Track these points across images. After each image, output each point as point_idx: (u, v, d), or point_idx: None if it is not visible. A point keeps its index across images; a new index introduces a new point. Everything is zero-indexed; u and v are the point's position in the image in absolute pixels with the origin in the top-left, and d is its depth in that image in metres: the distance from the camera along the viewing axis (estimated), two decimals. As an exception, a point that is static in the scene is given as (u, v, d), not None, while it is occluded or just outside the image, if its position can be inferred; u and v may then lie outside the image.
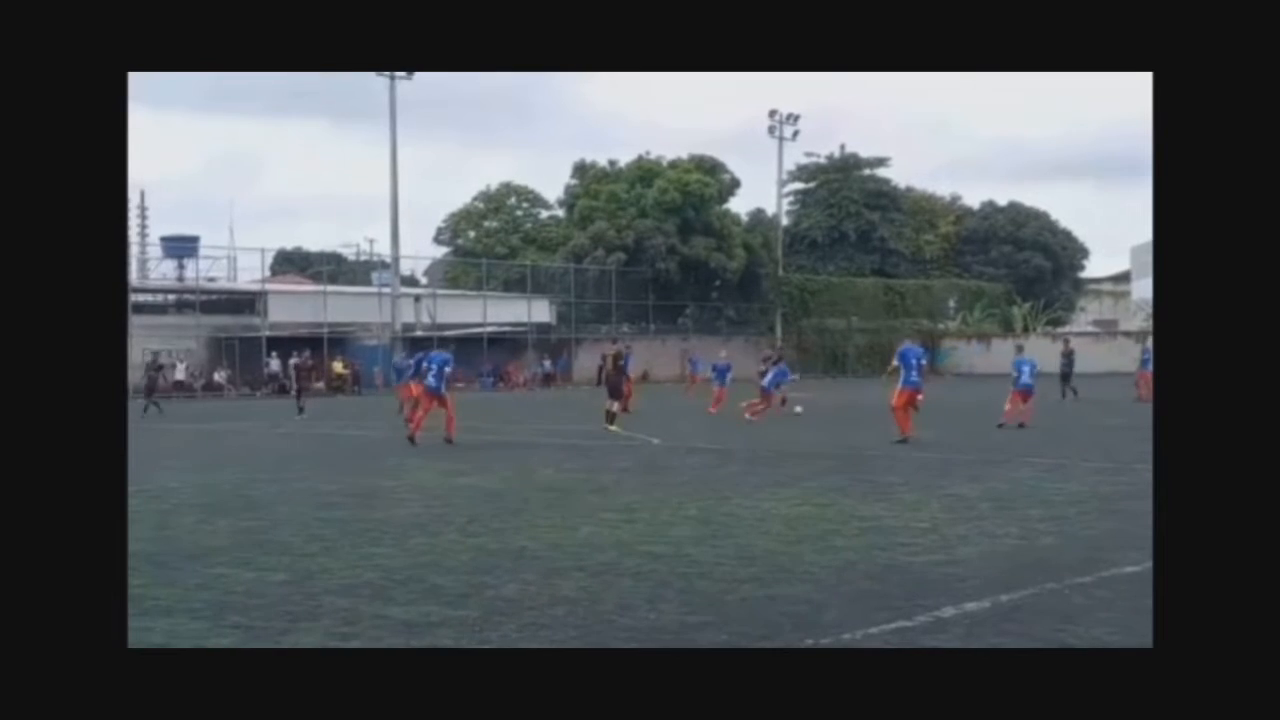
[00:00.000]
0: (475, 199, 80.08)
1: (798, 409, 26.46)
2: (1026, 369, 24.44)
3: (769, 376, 27.87)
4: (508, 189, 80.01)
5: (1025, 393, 24.16)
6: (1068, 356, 35.88)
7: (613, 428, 23.73)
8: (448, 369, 21.37)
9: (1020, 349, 27.06)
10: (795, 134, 68.82)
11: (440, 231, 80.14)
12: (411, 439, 20.75)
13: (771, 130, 68.26)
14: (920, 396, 20.73)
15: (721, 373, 32.34)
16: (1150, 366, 34.80)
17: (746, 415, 26.53)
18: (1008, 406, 24.23)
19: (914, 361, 20.54)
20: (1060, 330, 68.56)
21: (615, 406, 24.63)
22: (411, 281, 69.88)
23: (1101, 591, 7.96)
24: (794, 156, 75.63)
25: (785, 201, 75.30)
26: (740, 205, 72.49)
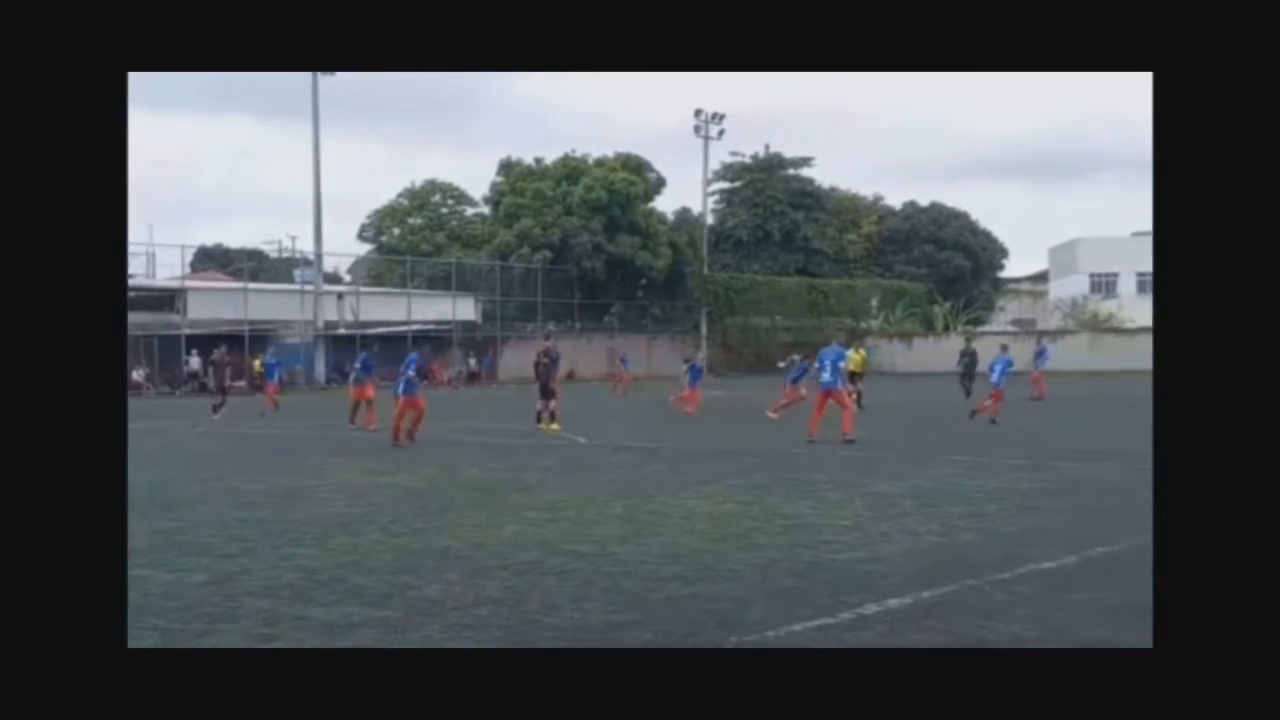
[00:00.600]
0: (400, 196, 79.46)
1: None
2: (997, 368, 25.19)
3: (790, 374, 28.19)
4: (433, 186, 79.51)
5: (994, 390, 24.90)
6: (970, 356, 35.92)
7: (542, 426, 23.51)
8: (409, 371, 21.06)
9: (1005, 348, 27.71)
10: (721, 133, 69.10)
11: (364, 228, 79.44)
12: (397, 440, 20.39)
13: (697, 129, 68.50)
14: (831, 397, 20.50)
15: (697, 372, 32.27)
16: (1044, 366, 34.88)
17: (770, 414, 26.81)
18: (987, 402, 24.91)
19: (827, 363, 20.59)
20: (977, 330, 69.44)
21: (548, 405, 24.05)
22: (335, 279, 69.18)
23: (1020, 587, 8.08)
24: (720, 156, 76.03)
25: (711, 201, 75.61)
26: (666, 204, 72.86)
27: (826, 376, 20.36)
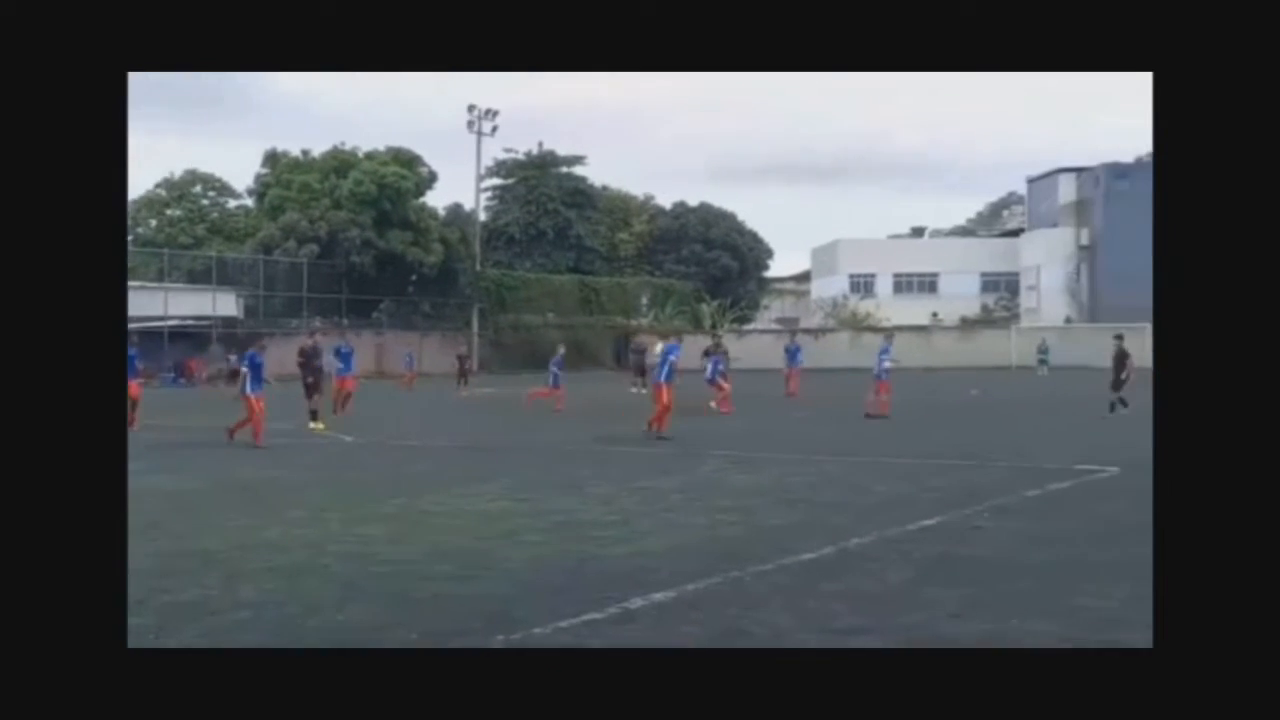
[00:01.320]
0: (158, 186, 76.18)
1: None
2: (878, 360, 25.87)
3: (708, 369, 27.57)
4: (193, 176, 76.51)
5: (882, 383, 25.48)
6: (723, 355, 35.99)
7: (313, 425, 22.88)
8: (248, 367, 20.17)
9: (889, 337, 28.33)
10: (494, 130, 68.76)
11: (118, 219, 75.93)
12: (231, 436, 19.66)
13: (470, 125, 68.00)
14: (658, 390, 20.90)
15: (559, 367, 29.80)
16: (798, 363, 34.68)
17: (718, 409, 26.34)
18: (870, 397, 25.39)
19: (663, 358, 20.95)
20: (743, 328, 71.19)
21: (313, 402, 23.43)
22: (86, 271, 65.81)
23: (781, 578, 8.34)
24: (493, 152, 75.66)
25: (484, 197, 75.18)
26: (438, 200, 72.19)
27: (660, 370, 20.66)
